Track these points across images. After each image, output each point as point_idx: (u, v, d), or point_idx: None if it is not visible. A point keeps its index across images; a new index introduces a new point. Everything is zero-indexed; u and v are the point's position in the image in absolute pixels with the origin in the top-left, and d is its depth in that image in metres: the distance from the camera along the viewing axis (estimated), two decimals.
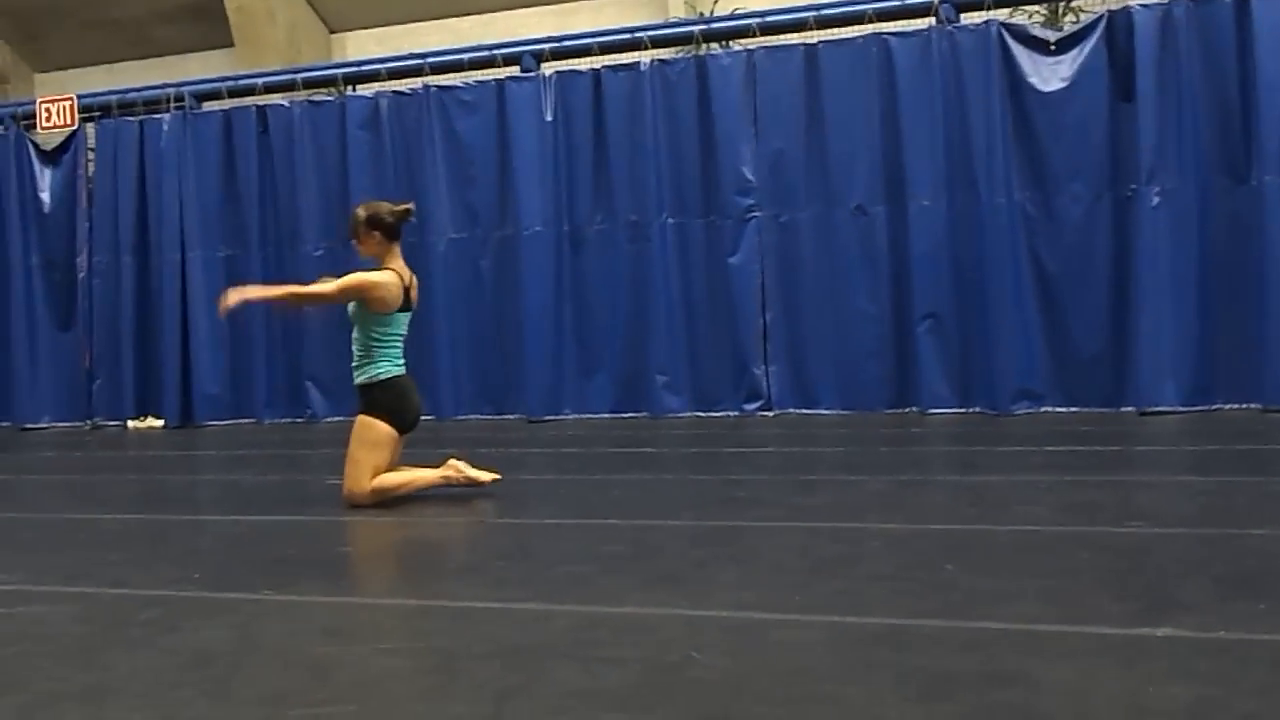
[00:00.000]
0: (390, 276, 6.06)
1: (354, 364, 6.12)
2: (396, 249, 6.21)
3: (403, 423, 6.06)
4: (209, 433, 12.25)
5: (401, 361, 6.19)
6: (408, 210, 6.23)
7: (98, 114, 13.62)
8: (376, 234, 6.14)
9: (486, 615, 3.49)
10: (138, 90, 13.76)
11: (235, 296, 5.93)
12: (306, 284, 6.51)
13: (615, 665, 2.84)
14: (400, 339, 6.18)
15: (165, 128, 13.19)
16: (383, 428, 5.97)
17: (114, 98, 13.69)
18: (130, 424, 13.16)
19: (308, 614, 3.63)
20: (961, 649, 2.87)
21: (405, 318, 6.17)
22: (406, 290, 6.13)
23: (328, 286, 6.05)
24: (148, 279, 13.24)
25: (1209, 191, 9.88)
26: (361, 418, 6.04)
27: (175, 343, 12.97)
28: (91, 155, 13.63)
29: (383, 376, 6.05)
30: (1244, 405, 9.72)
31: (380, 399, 6.02)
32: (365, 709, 2.57)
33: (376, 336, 6.06)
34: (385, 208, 6.20)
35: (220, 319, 6.15)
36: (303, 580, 4.15)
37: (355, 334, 6.11)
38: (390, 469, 6.04)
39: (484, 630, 3.31)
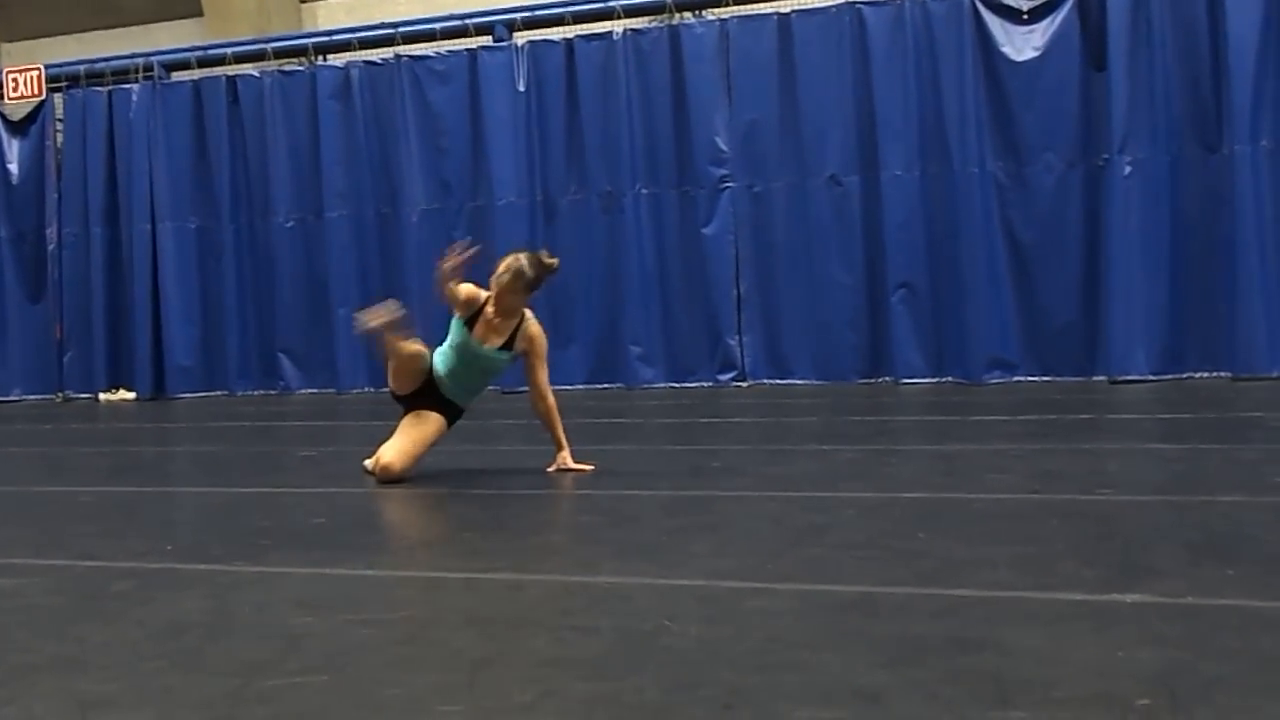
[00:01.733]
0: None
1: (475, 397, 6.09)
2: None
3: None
4: (181, 405, 12.19)
5: None
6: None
7: (65, 84, 13.50)
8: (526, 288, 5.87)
9: (460, 585, 3.49)
10: (106, 60, 13.63)
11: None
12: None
13: (589, 634, 2.85)
14: None
15: (134, 98, 13.08)
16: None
17: (82, 68, 13.57)
18: (102, 396, 13.10)
19: (281, 585, 3.62)
20: (932, 616, 2.89)
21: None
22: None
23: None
24: (118, 250, 13.16)
25: (1180, 160, 9.93)
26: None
27: (146, 314, 12.91)
28: (60, 126, 13.51)
29: None
30: (1214, 373, 9.80)
31: None
32: (338, 679, 2.58)
33: None
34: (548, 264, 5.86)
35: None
36: (276, 552, 4.14)
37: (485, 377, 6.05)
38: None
39: (457, 600, 3.31)
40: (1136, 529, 3.95)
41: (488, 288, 5.82)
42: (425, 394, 5.92)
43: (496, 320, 5.83)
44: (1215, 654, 2.51)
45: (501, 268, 5.76)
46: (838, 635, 2.76)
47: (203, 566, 3.88)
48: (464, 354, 5.89)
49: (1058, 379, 10.20)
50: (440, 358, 5.95)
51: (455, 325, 5.91)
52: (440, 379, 5.92)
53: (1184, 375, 9.88)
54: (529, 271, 5.74)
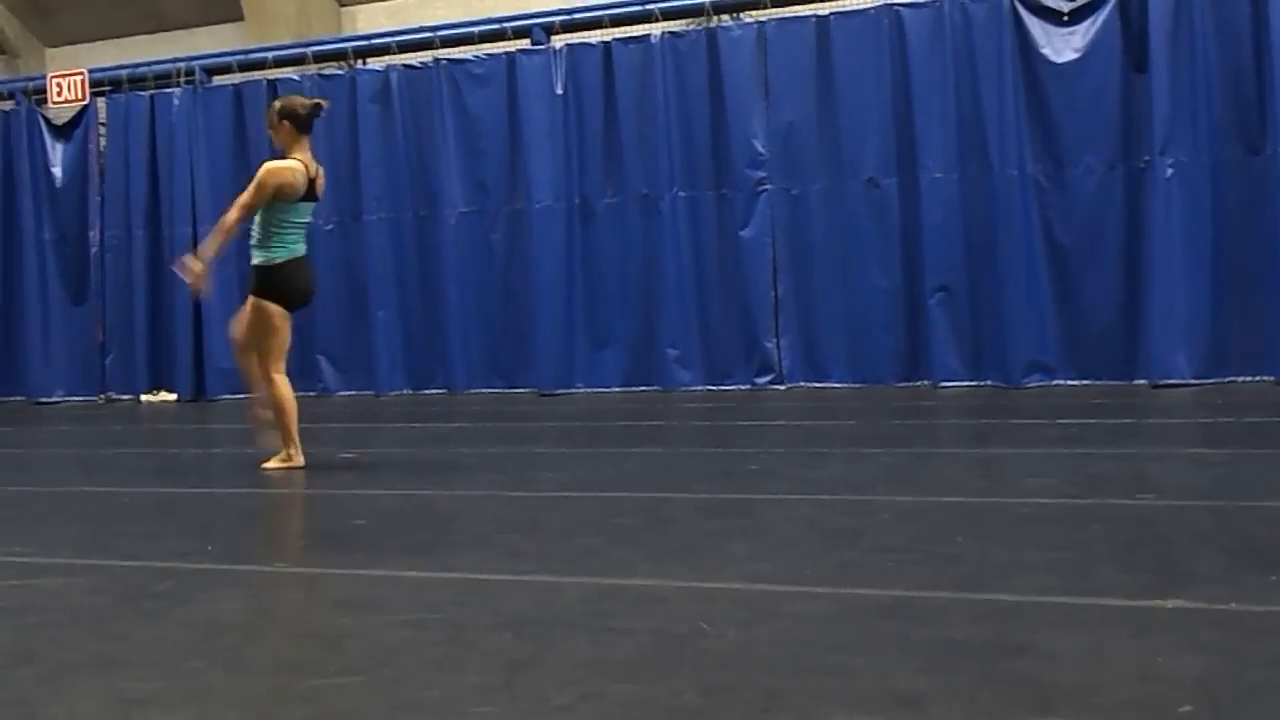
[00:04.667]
0: (295, 164, 6.32)
1: (251, 243, 6.39)
2: (305, 141, 6.46)
3: (290, 304, 6.40)
4: (221, 406, 12.28)
5: (296, 246, 6.42)
6: (318, 105, 6.51)
7: (108, 88, 13.62)
8: (287, 124, 6.40)
9: (497, 587, 3.50)
10: (148, 64, 13.74)
11: (198, 268, 6.37)
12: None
13: (625, 636, 2.85)
14: (299, 227, 6.43)
15: (176, 102, 13.20)
16: (276, 310, 6.34)
17: (125, 72, 13.69)
18: (143, 398, 13.21)
19: (320, 586, 3.64)
20: (971, 620, 2.88)
21: (308, 207, 6.44)
22: (312, 181, 6.38)
23: (246, 197, 6.27)
24: (159, 253, 13.26)
25: (1222, 163, 9.84)
26: (254, 300, 6.37)
27: (187, 316, 13.00)
28: (103, 130, 13.64)
29: (278, 260, 6.33)
30: (1257, 377, 9.70)
31: (274, 283, 6.33)
32: (377, 680, 2.59)
33: (277, 223, 6.32)
34: (298, 101, 6.53)
35: (202, 295, 6.37)
36: (315, 552, 4.17)
37: (258, 218, 6.35)
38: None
39: (495, 602, 3.32)
40: (1177, 534, 3.92)
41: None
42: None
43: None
44: (1257, 661, 2.49)
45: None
46: (876, 639, 2.75)
47: (243, 567, 3.91)
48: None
49: (1097, 383, 10.12)
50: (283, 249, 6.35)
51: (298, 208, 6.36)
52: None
53: (1226, 379, 9.79)
54: (277, 103, 6.57)
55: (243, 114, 13.05)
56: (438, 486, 5.66)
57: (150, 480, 6.58)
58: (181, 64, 13.50)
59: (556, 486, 5.61)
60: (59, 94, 13.58)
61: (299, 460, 6.48)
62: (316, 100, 6.59)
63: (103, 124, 13.66)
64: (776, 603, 3.14)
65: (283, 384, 6.48)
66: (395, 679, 2.60)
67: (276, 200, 6.25)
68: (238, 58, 13.53)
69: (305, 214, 6.41)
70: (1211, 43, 9.86)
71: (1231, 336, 9.83)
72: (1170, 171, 9.85)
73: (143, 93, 13.44)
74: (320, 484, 6.02)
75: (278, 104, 6.53)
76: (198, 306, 13.00)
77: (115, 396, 13.45)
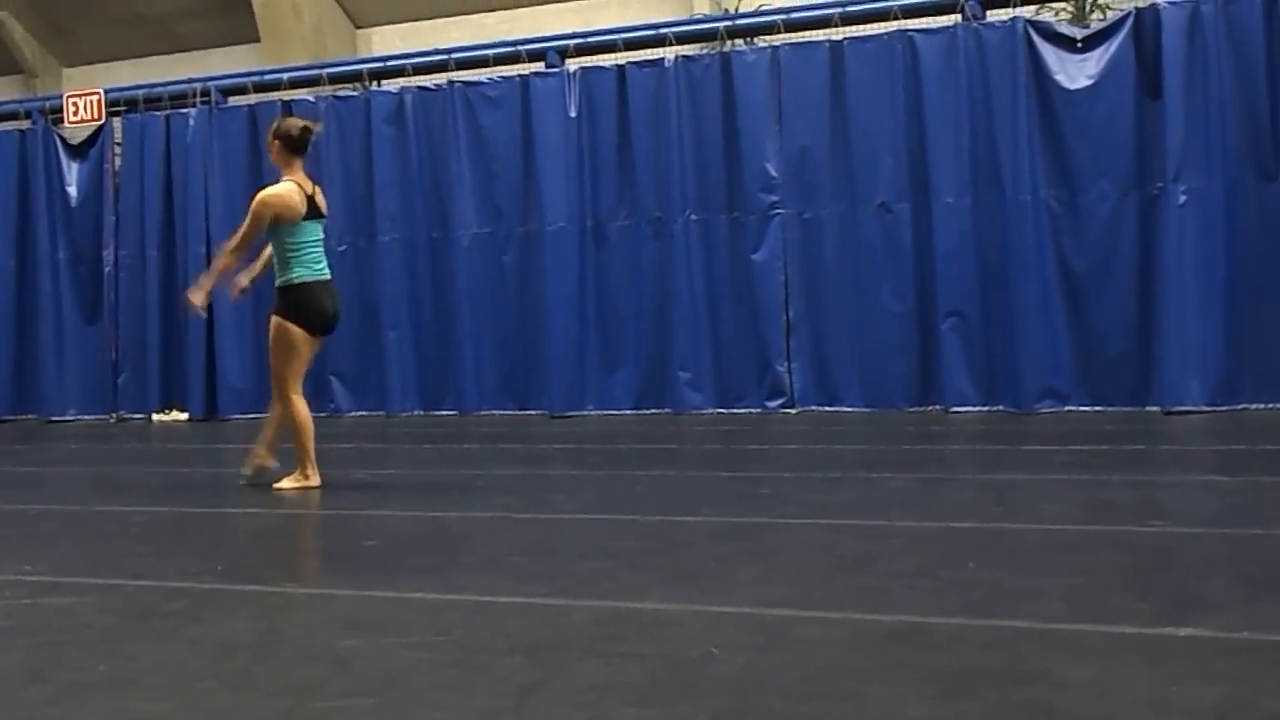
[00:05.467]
0: (288, 186, 6.40)
1: (275, 267, 6.50)
2: (298, 162, 6.55)
3: (313, 327, 6.45)
4: (233, 426, 12.29)
5: (319, 267, 6.49)
6: (308, 127, 6.60)
7: (124, 108, 13.69)
8: (278, 144, 6.52)
9: (508, 610, 3.50)
10: (164, 85, 13.82)
11: (199, 296, 6.54)
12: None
13: (636, 661, 2.85)
14: (313, 246, 6.49)
15: (191, 122, 13.25)
16: (297, 332, 6.40)
17: (141, 92, 13.76)
18: (155, 417, 13.23)
19: (330, 607, 3.64)
20: (983, 647, 2.87)
21: (314, 226, 6.49)
22: (310, 199, 6.45)
23: (244, 229, 6.39)
24: (173, 272, 13.30)
25: (1236, 189, 9.82)
26: (275, 320, 6.45)
27: (200, 336, 13.03)
28: (118, 150, 13.69)
29: (297, 280, 6.39)
30: (1271, 405, 9.67)
31: (294, 303, 6.40)
32: (386, 702, 2.59)
33: (289, 246, 6.40)
34: (291, 122, 6.64)
35: (201, 314, 6.62)
36: (325, 573, 4.16)
37: (271, 246, 6.49)
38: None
39: (505, 624, 3.31)
40: (1191, 562, 3.90)
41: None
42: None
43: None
44: (1272, 689, 2.47)
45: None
46: (887, 665, 2.74)
47: (253, 587, 3.91)
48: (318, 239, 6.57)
49: (1110, 409, 10.09)
50: (304, 269, 6.41)
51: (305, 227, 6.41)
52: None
53: (1239, 406, 9.74)
54: (272, 125, 6.81)
55: (258, 135, 13.09)
56: (449, 508, 5.66)
57: (162, 499, 6.59)
58: (197, 84, 13.56)
59: (567, 509, 5.60)
60: (75, 113, 13.65)
61: (314, 481, 6.49)
62: (307, 122, 6.66)
63: (118, 144, 13.72)
64: (787, 628, 3.14)
65: (300, 404, 6.51)
66: (405, 701, 2.59)
67: (279, 224, 6.33)
68: (253, 79, 13.59)
69: (315, 232, 6.46)
70: (1225, 69, 9.85)
71: (1245, 363, 9.79)
72: (1184, 198, 9.83)
73: (158, 113, 13.50)
74: (331, 505, 6.02)
75: (272, 125, 6.68)
76: (210, 326, 13.04)
77: (127, 415, 13.47)
